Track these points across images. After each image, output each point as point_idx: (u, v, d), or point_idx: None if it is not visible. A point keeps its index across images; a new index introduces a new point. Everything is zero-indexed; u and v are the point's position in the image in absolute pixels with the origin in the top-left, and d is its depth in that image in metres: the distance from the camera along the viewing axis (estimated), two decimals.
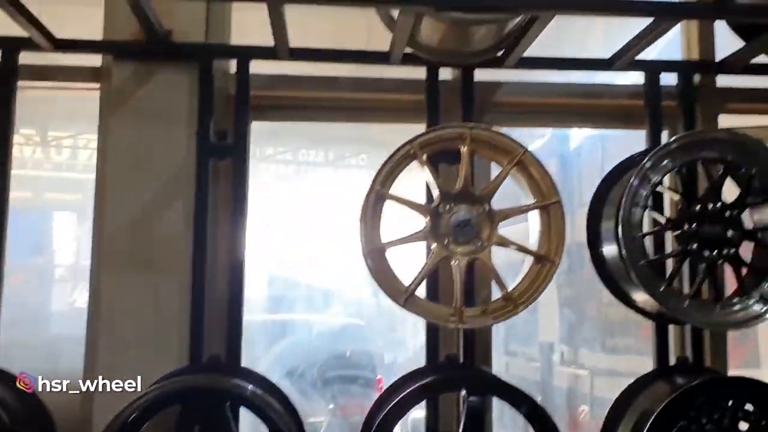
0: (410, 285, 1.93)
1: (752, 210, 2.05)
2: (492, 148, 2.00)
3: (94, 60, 2.20)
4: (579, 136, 5.79)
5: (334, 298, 6.43)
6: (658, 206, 2.09)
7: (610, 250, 2.05)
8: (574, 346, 5.89)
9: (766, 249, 2.02)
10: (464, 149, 1.97)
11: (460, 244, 1.96)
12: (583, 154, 5.72)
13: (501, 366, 5.56)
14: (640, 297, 2.05)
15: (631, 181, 1.93)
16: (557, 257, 1.96)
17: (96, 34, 2.18)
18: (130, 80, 2.13)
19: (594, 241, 2.14)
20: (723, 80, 2.38)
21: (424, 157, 1.96)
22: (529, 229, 2.04)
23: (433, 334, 2.13)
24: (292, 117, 2.41)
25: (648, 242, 2.06)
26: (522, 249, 1.99)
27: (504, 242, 1.98)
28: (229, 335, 2.07)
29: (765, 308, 1.97)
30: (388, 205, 1.96)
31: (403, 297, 1.91)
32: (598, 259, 2.14)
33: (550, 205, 1.98)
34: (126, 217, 2.08)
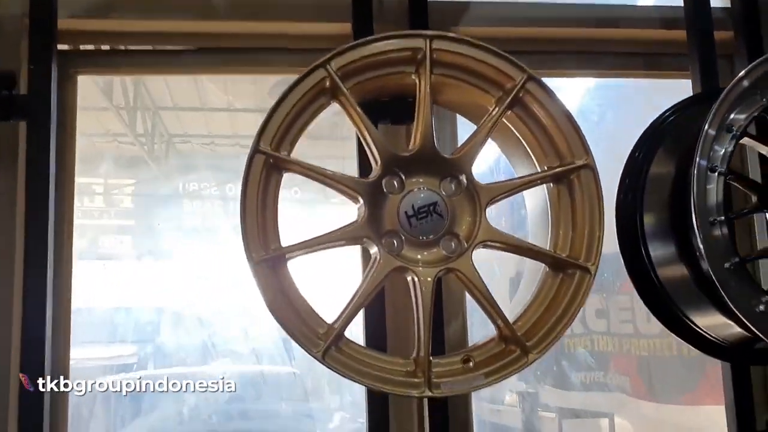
0: (335, 323, 1.06)
1: None
2: (469, 78, 1.15)
3: None
4: None
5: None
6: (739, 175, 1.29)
7: (662, 248, 1.25)
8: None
9: None
10: (421, 81, 1.12)
11: (420, 246, 1.10)
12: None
13: None
14: (711, 320, 1.26)
15: (705, 128, 1.13)
16: (592, 261, 1.11)
17: None
18: None
19: (628, 235, 1.32)
20: None
21: (349, 94, 1.10)
22: None
23: (377, 407, 1.25)
24: (136, 67, 1.52)
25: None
26: (526, 249, 1.14)
27: (497, 239, 1.12)
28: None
29: None
30: (294, 182, 1.10)
31: (322, 345, 1.03)
32: (636, 265, 1.31)
33: (573, 172, 1.14)
34: None
